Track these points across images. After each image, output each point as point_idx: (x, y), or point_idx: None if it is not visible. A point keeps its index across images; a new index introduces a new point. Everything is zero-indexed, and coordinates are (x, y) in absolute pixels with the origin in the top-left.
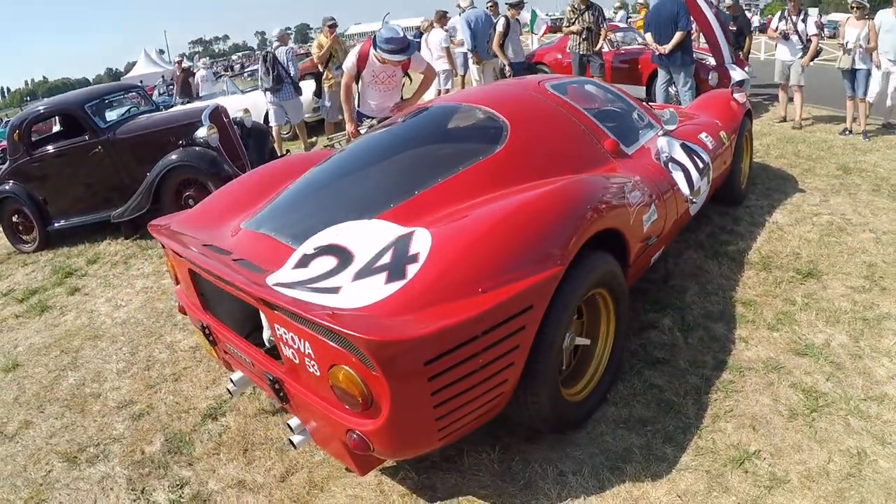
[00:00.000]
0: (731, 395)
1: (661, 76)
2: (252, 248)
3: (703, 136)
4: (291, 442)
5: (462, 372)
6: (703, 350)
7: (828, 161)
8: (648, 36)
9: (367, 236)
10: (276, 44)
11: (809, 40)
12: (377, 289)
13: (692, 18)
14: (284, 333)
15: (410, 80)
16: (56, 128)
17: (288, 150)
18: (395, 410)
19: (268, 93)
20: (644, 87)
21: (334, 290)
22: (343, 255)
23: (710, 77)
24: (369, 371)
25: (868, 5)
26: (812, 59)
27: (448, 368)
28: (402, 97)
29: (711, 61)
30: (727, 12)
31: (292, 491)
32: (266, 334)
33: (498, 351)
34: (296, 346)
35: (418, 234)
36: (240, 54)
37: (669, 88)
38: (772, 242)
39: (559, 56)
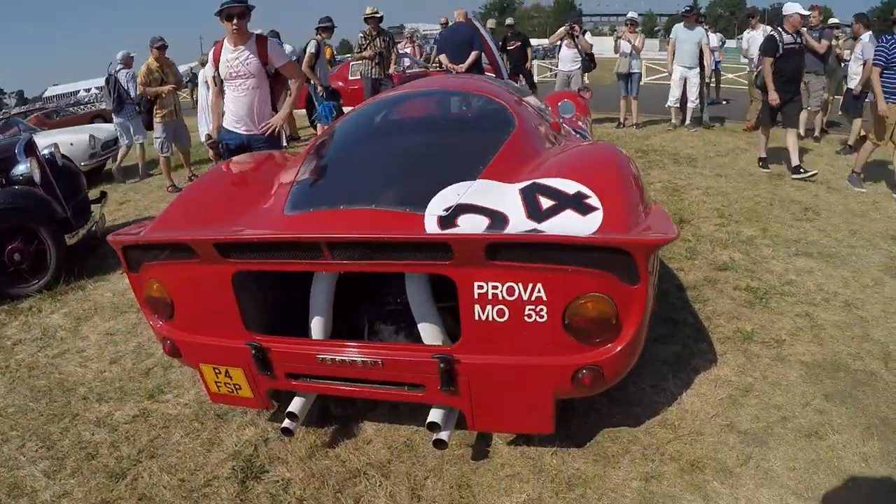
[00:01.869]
0: (706, 302)
1: None
2: (355, 223)
3: (580, 122)
4: (439, 442)
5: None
6: (662, 282)
7: (624, 146)
8: (443, 57)
9: (495, 193)
10: (119, 66)
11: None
12: (580, 221)
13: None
14: (490, 288)
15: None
16: None
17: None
18: (641, 323)
19: (114, 115)
20: None
21: (538, 232)
22: (488, 212)
23: None
24: (627, 287)
25: (639, 21)
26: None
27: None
28: (275, 109)
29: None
30: None
31: None
32: (424, 329)
33: None
34: (511, 298)
35: (556, 181)
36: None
37: None
38: None
39: (340, 83)
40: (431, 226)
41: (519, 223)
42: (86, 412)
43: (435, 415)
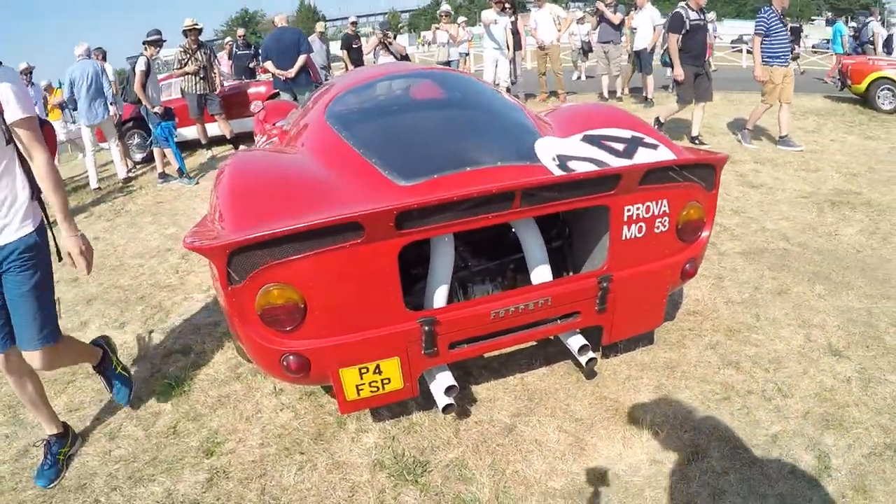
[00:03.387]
0: None
1: (286, 98)
2: (503, 176)
3: None
4: (591, 360)
5: None
6: None
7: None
8: (269, 64)
9: (569, 144)
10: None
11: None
12: (661, 152)
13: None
14: (636, 210)
15: None
16: None
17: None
18: (713, 219)
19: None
20: None
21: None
22: (584, 158)
23: None
24: (708, 193)
25: (453, 13)
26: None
27: None
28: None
29: None
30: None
31: None
32: (538, 274)
33: None
34: (648, 216)
35: (607, 131)
36: None
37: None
38: None
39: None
40: (557, 171)
41: (615, 161)
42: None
43: (578, 340)
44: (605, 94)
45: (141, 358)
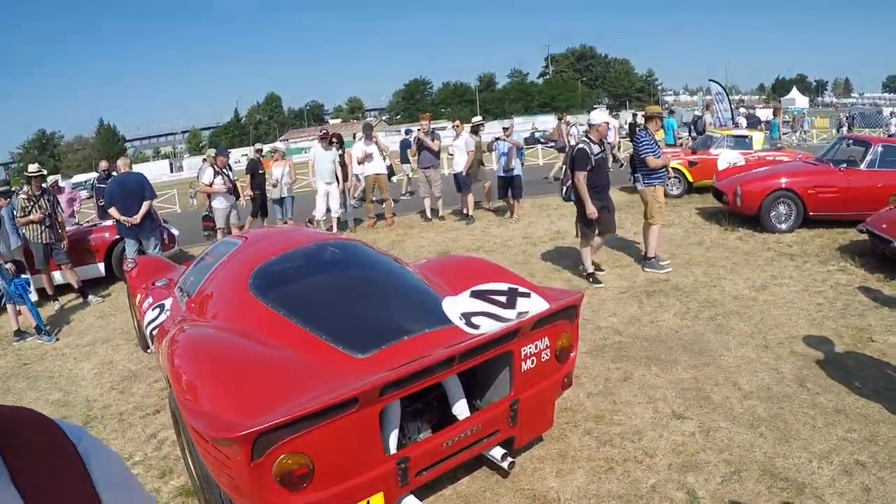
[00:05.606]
0: None
1: (130, 245)
2: (435, 342)
3: None
4: (512, 464)
5: None
6: None
7: None
8: (113, 210)
9: (462, 302)
10: None
11: None
12: (535, 301)
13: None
14: (529, 348)
15: None
16: None
17: None
18: (577, 343)
19: None
20: (102, 263)
21: (523, 313)
22: (480, 313)
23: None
24: (572, 324)
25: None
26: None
27: None
28: None
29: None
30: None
31: None
32: (458, 407)
33: None
34: (536, 351)
35: (487, 286)
36: None
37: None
38: None
39: None
40: (468, 329)
41: (506, 313)
42: None
43: (498, 451)
44: (429, 214)
45: None
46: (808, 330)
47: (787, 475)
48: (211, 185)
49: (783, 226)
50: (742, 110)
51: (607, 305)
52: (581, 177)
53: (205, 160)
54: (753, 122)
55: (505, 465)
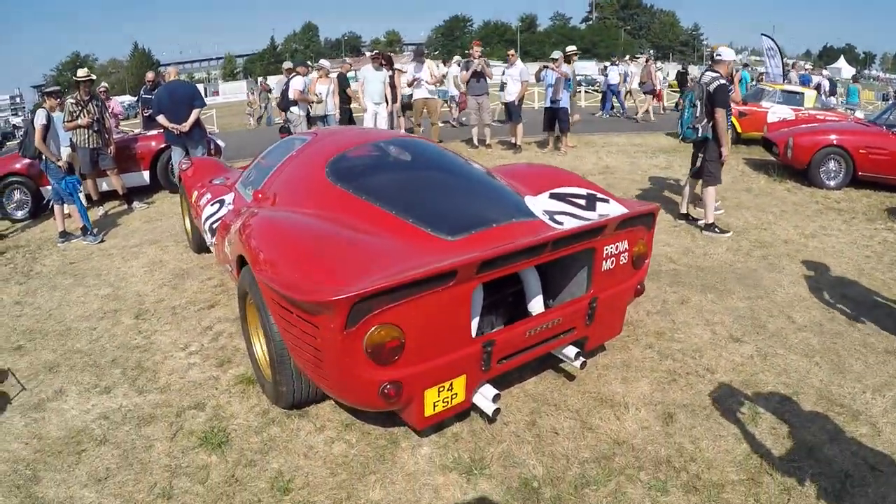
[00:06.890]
0: None
1: (177, 153)
2: (523, 231)
3: None
4: (583, 364)
5: None
6: None
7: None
8: (162, 118)
9: (543, 201)
10: None
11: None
12: (614, 206)
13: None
14: (610, 248)
15: None
16: None
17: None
18: (651, 252)
19: None
20: (147, 171)
21: (604, 215)
22: (562, 212)
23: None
24: (648, 232)
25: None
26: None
27: None
28: None
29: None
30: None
31: None
32: (535, 303)
33: None
34: (616, 252)
35: (566, 189)
36: None
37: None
38: None
39: None
40: (552, 224)
41: (587, 214)
42: None
43: (571, 350)
44: (475, 142)
45: (152, 419)
46: (858, 278)
47: (843, 402)
48: (303, 91)
49: (832, 182)
50: (797, 68)
51: (660, 236)
52: (723, 114)
53: (290, 72)
54: (805, 81)
55: (577, 363)
